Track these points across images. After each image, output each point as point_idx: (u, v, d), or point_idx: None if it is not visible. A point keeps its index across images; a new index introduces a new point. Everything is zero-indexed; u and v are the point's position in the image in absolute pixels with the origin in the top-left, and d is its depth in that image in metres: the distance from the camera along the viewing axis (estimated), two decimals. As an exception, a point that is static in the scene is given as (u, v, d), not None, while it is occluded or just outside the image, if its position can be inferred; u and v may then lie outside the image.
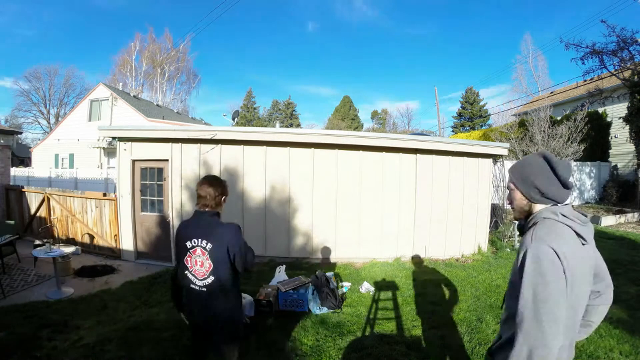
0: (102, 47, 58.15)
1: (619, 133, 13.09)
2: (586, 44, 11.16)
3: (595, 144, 12.46)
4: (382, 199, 5.91)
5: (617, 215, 9.52)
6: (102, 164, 17.96)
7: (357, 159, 5.87)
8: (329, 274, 4.71)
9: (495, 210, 7.21)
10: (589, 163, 12.24)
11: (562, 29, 45.29)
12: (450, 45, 64.48)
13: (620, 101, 12.09)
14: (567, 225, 1.19)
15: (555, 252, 1.10)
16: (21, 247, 6.19)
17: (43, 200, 7.08)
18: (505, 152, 6.22)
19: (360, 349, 3.06)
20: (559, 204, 1.27)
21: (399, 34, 64.48)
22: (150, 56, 31.55)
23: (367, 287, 4.55)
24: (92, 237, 6.53)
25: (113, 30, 54.43)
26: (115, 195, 6.01)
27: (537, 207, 1.29)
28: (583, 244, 1.20)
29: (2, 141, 7.63)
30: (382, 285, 4.68)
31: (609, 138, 13.29)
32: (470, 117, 40.13)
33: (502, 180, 7.79)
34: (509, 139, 9.86)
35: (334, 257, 5.88)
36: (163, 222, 5.88)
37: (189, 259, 1.97)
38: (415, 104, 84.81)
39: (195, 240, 1.94)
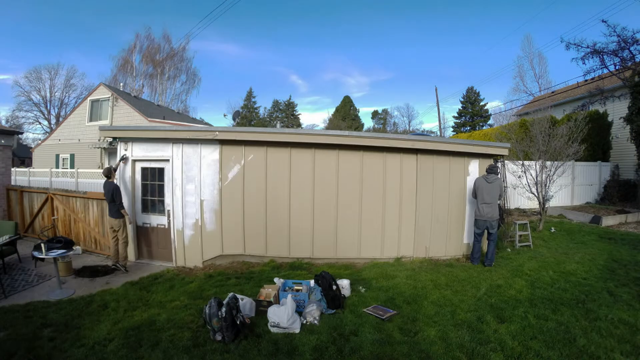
0: (102, 48, 58.26)
1: (620, 133, 13.06)
2: (587, 44, 11.17)
3: (596, 143, 12.44)
4: (383, 200, 5.91)
5: (618, 215, 9.51)
6: (103, 164, 17.96)
7: (358, 159, 5.87)
8: (330, 274, 4.71)
9: (496, 210, 7.19)
10: (589, 163, 12.22)
11: (563, 29, 45.26)
12: (451, 45, 64.45)
13: (621, 101, 12.07)
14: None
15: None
16: (22, 247, 6.21)
17: (46, 200, 7.09)
18: (506, 152, 6.22)
19: (361, 349, 3.06)
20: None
21: (399, 32, 64.39)
22: (151, 56, 31.54)
23: (367, 287, 4.54)
24: (93, 237, 6.53)
25: (113, 30, 54.52)
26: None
27: None
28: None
29: (3, 141, 7.64)
30: (383, 285, 4.68)
31: (610, 138, 13.26)
32: (471, 116, 40.13)
33: (503, 180, 7.78)
34: (510, 139, 9.82)
35: (335, 257, 5.87)
36: (164, 222, 5.88)
37: None
38: (415, 104, 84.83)
39: None
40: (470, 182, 6.13)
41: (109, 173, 5.59)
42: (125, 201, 5.76)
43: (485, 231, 5.71)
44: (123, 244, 5.50)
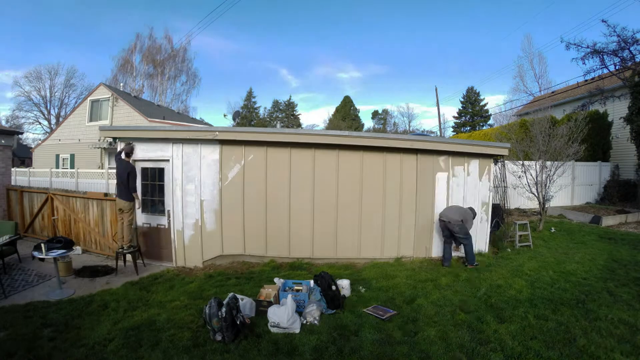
0: (102, 48, 58.27)
1: (620, 133, 13.05)
2: (587, 44, 11.18)
3: (596, 143, 12.44)
4: (383, 200, 5.90)
5: (618, 215, 9.51)
6: (103, 164, 17.96)
7: (358, 159, 5.86)
8: (330, 274, 4.71)
9: (496, 211, 7.19)
10: (589, 163, 12.22)
11: (563, 29, 45.29)
12: (451, 45, 64.47)
13: (621, 101, 12.08)
14: None
15: None
16: (22, 247, 6.20)
17: (46, 200, 7.09)
18: (506, 152, 6.22)
19: (361, 349, 3.06)
20: None
21: (398, 32, 64.36)
22: (151, 56, 31.52)
23: (367, 287, 4.54)
24: (93, 237, 6.53)
25: (114, 30, 54.51)
26: (116, 196, 6.01)
27: None
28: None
29: (3, 141, 7.64)
30: (383, 285, 4.68)
31: (610, 138, 13.26)
32: (471, 116, 40.13)
33: (503, 180, 7.78)
34: (510, 139, 9.82)
35: (335, 257, 5.87)
36: (164, 222, 5.88)
37: None
38: (415, 104, 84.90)
39: None
40: (470, 181, 6.14)
41: (131, 151, 5.52)
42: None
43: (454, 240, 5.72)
44: (128, 227, 5.39)
